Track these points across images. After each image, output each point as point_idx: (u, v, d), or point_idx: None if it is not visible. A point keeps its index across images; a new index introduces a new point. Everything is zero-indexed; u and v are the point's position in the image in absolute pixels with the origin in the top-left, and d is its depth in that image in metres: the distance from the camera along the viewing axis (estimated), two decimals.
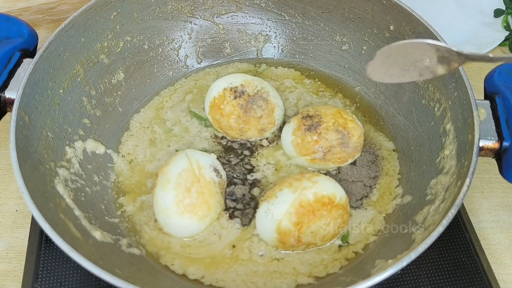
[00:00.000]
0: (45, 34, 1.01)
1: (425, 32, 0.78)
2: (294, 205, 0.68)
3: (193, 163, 0.73)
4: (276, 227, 0.69)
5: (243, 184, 0.79)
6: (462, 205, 0.84)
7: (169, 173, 0.72)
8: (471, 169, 0.62)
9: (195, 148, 0.83)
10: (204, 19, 0.96)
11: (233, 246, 0.73)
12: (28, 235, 0.80)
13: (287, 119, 0.87)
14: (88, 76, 0.83)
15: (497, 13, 1.11)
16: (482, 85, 0.74)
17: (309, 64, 0.97)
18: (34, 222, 0.80)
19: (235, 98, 0.82)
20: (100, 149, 0.82)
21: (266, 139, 0.85)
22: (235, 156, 0.83)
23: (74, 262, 0.56)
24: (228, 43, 0.98)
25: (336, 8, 0.91)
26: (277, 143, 0.84)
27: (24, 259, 0.77)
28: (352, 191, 0.79)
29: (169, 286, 0.68)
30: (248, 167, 0.82)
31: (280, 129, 0.85)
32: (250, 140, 0.85)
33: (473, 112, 0.66)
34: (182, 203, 0.70)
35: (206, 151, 0.82)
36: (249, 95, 0.82)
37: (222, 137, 0.86)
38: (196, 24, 0.96)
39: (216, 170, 0.75)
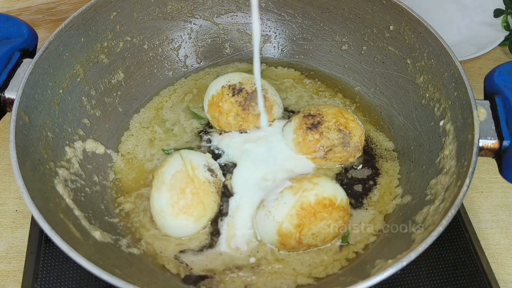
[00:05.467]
0: (45, 34, 1.01)
1: (425, 32, 0.78)
2: (295, 207, 0.68)
3: (187, 164, 0.73)
4: (277, 229, 0.69)
5: None
6: (462, 205, 0.84)
7: (163, 175, 0.72)
8: (470, 169, 0.62)
9: (195, 148, 0.83)
10: (204, 19, 0.96)
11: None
12: (28, 235, 0.80)
13: (286, 119, 0.87)
14: (88, 76, 0.83)
15: (497, 13, 1.11)
16: (482, 85, 0.74)
17: (309, 64, 0.97)
18: (33, 222, 0.81)
19: (233, 95, 0.82)
20: (100, 149, 0.82)
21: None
22: None
23: (74, 262, 0.56)
24: (228, 43, 0.98)
25: (336, 8, 0.91)
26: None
27: (24, 259, 0.77)
28: (352, 191, 0.79)
29: (168, 286, 0.68)
30: None
31: None
32: None
33: (473, 112, 0.66)
34: (177, 204, 0.70)
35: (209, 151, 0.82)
36: (247, 92, 0.82)
37: None
38: (196, 24, 0.96)
39: (210, 170, 0.75)
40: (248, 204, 0.75)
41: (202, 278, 0.69)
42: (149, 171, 0.81)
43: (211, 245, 0.72)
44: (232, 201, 0.76)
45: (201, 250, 0.72)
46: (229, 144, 0.83)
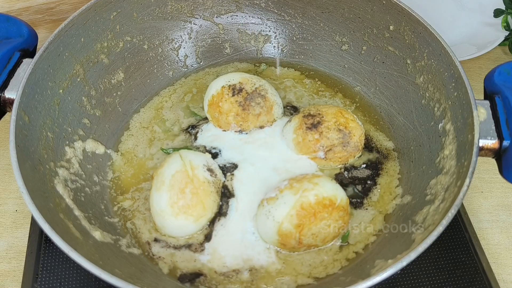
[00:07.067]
0: (45, 34, 1.01)
1: (425, 32, 0.78)
2: (296, 207, 0.68)
3: (187, 164, 0.73)
4: (277, 229, 0.69)
5: None
6: (462, 205, 0.84)
7: (163, 175, 0.72)
8: (470, 169, 0.62)
9: (194, 148, 0.83)
10: (204, 19, 0.96)
11: None
12: (28, 235, 0.80)
13: (289, 115, 0.87)
14: (88, 76, 0.83)
15: (497, 13, 1.11)
16: (482, 85, 0.74)
17: (309, 64, 0.97)
18: (34, 222, 0.81)
19: (233, 95, 0.82)
20: (100, 149, 0.82)
21: None
22: None
23: (74, 262, 0.56)
24: (228, 43, 0.98)
25: (336, 8, 0.91)
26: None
27: (24, 259, 0.77)
28: (352, 191, 0.79)
29: (168, 286, 0.68)
30: None
31: None
32: None
33: (473, 112, 0.66)
34: (176, 204, 0.70)
35: (207, 151, 0.82)
36: (247, 92, 0.82)
37: None
38: (196, 24, 0.96)
39: (210, 170, 0.75)
40: (248, 206, 0.75)
41: (197, 276, 0.69)
42: (149, 168, 0.82)
43: (192, 247, 0.72)
44: (233, 202, 0.76)
45: (178, 248, 0.72)
46: (229, 145, 0.83)
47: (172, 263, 0.71)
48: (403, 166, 0.81)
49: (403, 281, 0.75)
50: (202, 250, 0.72)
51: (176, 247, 0.72)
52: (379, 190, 0.79)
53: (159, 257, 0.71)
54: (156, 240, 0.73)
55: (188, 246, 0.72)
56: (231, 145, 0.82)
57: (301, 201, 0.68)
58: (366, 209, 0.77)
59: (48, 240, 0.77)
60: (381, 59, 0.89)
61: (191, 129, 0.86)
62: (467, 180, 0.62)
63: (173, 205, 0.70)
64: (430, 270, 0.76)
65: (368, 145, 0.84)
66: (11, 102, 0.70)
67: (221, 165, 0.80)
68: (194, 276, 0.69)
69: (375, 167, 0.81)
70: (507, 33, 1.09)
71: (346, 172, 0.81)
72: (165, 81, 0.94)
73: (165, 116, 0.89)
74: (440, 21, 1.14)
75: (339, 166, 0.81)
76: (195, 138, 0.85)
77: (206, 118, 0.87)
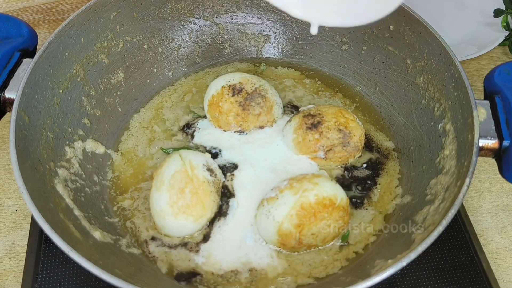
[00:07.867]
0: (45, 34, 1.01)
1: (425, 32, 0.78)
2: (296, 207, 0.68)
3: (186, 164, 0.73)
4: (277, 229, 0.69)
5: None
6: (462, 205, 0.84)
7: (163, 175, 0.72)
8: (470, 169, 0.62)
9: (194, 148, 0.83)
10: (204, 19, 0.96)
11: None
12: (28, 235, 0.80)
13: (290, 114, 0.87)
14: (88, 76, 0.83)
15: (497, 13, 1.11)
16: (482, 85, 0.74)
17: (309, 64, 0.97)
18: (33, 222, 0.81)
19: (233, 95, 0.82)
20: (100, 149, 0.82)
21: None
22: None
23: (74, 262, 0.56)
24: (228, 43, 0.98)
25: None
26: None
27: (24, 259, 0.77)
28: (352, 191, 0.79)
29: (168, 286, 0.68)
30: None
31: None
32: None
33: (472, 112, 0.67)
34: (176, 204, 0.70)
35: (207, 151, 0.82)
36: (247, 92, 0.82)
37: None
38: (196, 24, 0.96)
39: (210, 170, 0.75)
40: (248, 208, 0.75)
41: (193, 275, 0.69)
42: (148, 168, 0.82)
43: (188, 246, 0.72)
44: (233, 202, 0.76)
45: (174, 247, 0.72)
46: (229, 145, 0.83)
47: (169, 261, 0.71)
48: (403, 166, 0.81)
49: (403, 281, 0.75)
50: (198, 251, 0.72)
51: (171, 246, 0.72)
52: (379, 190, 0.79)
53: (155, 256, 0.71)
54: (153, 238, 0.73)
55: (184, 245, 0.72)
56: (231, 145, 0.82)
57: (301, 201, 0.68)
58: (366, 209, 0.77)
59: (48, 240, 0.77)
60: (381, 59, 0.89)
61: (186, 129, 0.86)
62: (467, 180, 0.62)
63: (173, 205, 0.70)
64: (430, 270, 0.76)
65: (368, 145, 0.84)
66: (11, 102, 0.70)
67: (221, 165, 0.80)
68: (191, 275, 0.69)
69: (375, 167, 0.81)
70: (507, 33, 1.09)
71: (346, 172, 0.81)
72: (165, 81, 0.94)
73: (165, 116, 0.89)
74: (440, 21, 1.14)
75: (339, 166, 0.81)
76: (192, 137, 0.85)
77: (204, 117, 0.87)
